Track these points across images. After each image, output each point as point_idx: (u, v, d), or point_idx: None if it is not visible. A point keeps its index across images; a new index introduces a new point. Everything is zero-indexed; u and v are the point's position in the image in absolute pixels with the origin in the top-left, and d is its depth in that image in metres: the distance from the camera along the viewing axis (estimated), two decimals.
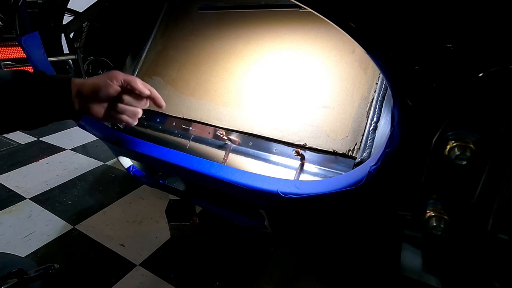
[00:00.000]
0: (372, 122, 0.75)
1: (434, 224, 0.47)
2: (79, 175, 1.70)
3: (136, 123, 0.73)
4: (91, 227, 1.29)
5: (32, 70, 0.69)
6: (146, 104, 0.72)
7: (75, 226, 1.30)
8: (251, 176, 0.71)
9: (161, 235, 1.23)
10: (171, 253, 1.15)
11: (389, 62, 0.43)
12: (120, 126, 1.13)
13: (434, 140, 0.44)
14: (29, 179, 1.68)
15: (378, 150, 0.55)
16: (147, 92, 0.70)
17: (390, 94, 0.52)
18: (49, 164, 1.85)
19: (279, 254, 1.11)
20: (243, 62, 0.98)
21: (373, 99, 0.77)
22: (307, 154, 0.82)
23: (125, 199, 1.47)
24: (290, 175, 0.82)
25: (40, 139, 2.18)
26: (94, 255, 1.15)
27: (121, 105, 0.69)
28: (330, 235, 0.99)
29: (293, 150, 0.82)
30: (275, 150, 0.87)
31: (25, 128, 0.63)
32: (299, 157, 0.82)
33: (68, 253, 1.17)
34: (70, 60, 1.30)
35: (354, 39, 0.45)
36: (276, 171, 0.84)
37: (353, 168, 0.74)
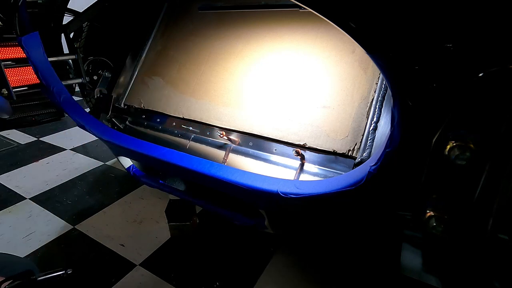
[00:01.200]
0: (372, 122, 0.75)
1: (434, 224, 0.47)
2: (79, 175, 1.70)
3: None
4: (91, 227, 1.29)
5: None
6: None
7: (75, 226, 1.30)
8: (251, 176, 0.70)
9: (161, 235, 1.22)
10: (171, 253, 1.15)
11: (389, 62, 0.43)
12: (120, 126, 1.14)
13: (434, 140, 0.44)
14: (29, 179, 1.68)
15: (378, 150, 0.55)
16: None
17: (390, 94, 0.52)
18: (49, 164, 1.84)
19: (279, 254, 1.11)
20: (243, 62, 0.98)
21: (373, 99, 0.77)
22: (307, 154, 0.82)
23: (125, 199, 1.47)
24: (290, 175, 0.82)
25: (40, 139, 2.18)
26: (94, 255, 1.15)
27: None
28: (330, 235, 0.99)
29: (293, 150, 0.82)
30: (275, 150, 0.87)
31: None
32: (299, 157, 0.82)
33: (68, 253, 1.17)
34: (70, 60, 1.30)
35: (354, 39, 0.45)
36: (276, 171, 0.84)
37: (353, 168, 0.74)
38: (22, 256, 1.13)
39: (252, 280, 1.02)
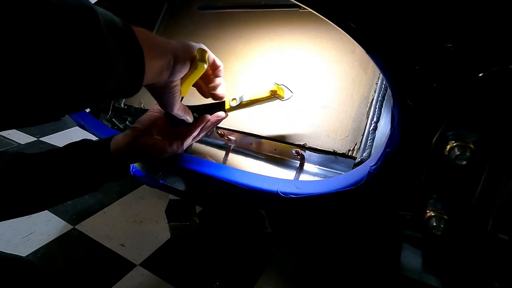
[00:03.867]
0: (372, 122, 0.75)
1: (434, 224, 0.47)
2: None
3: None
4: (91, 227, 1.29)
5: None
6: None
7: (75, 226, 1.30)
8: (251, 176, 0.70)
9: (161, 235, 1.22)
10: (171, 253, 1.15)
11: (389, 62, 0.43)
12: (120, 126, 1.13)
13: (434, 140, 0.44)
14: None
15: (378, 150, 0.55)
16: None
17: (390, 94, 0.52)
18: None
19: (279, 254, 1.11)
20: (243, 62, 0.98)
21: (373, 99, 0.77)
22: (307, 154, 0.82)
23: (125, 199, 1.47)
24: (290, 175, 0.82)
25: (40, 139, 2.18)
26: (94, 255, 1.15)
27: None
28: (330, 235, 0.99)
29: (293, 150, 0.82)
30: (275, 150, 0.87)
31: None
32: (299, 157, 0.82)
33: (68, 253, 1.17)
34: None
35: (354, 39, 0.44)
36: (276, 171, 0.84)
37: (353, 168, 0.74)
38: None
39: (252, 280, 1.02)
